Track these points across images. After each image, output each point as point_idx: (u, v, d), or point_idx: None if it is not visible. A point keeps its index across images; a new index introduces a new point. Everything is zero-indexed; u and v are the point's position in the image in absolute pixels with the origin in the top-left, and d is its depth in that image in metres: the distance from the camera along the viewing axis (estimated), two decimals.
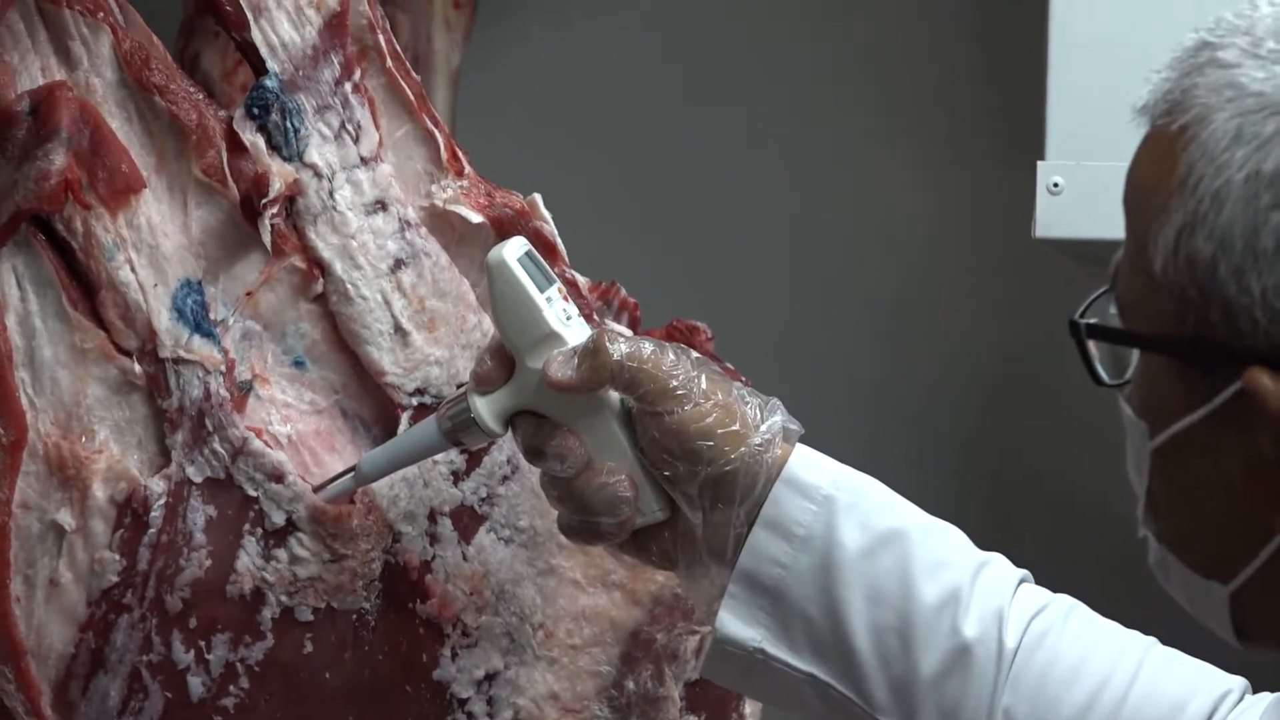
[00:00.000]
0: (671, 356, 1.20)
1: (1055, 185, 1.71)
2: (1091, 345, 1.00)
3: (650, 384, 1.18)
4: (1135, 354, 0.97)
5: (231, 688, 1.29)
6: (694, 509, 1.19)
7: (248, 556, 1.28)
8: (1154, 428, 0.94)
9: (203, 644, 1.29)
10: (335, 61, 1.35)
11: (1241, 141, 0.88)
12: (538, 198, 1.38)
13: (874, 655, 1.18)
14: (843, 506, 1.20)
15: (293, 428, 1.32)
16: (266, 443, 1.29)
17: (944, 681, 1.17)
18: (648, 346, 1.21)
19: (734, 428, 1.19)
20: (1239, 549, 0.92)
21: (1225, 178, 0.89)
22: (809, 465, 1.20)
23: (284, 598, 1.30)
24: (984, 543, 1.26)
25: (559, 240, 1.39)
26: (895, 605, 1.18)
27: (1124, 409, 0.98)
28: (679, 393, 1.18)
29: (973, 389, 2.15)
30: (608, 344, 1.18)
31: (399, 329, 1.34)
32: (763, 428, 1.20)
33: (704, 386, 1.19)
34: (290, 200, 1.31)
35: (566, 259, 1.39)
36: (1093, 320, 1.00)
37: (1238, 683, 1.20)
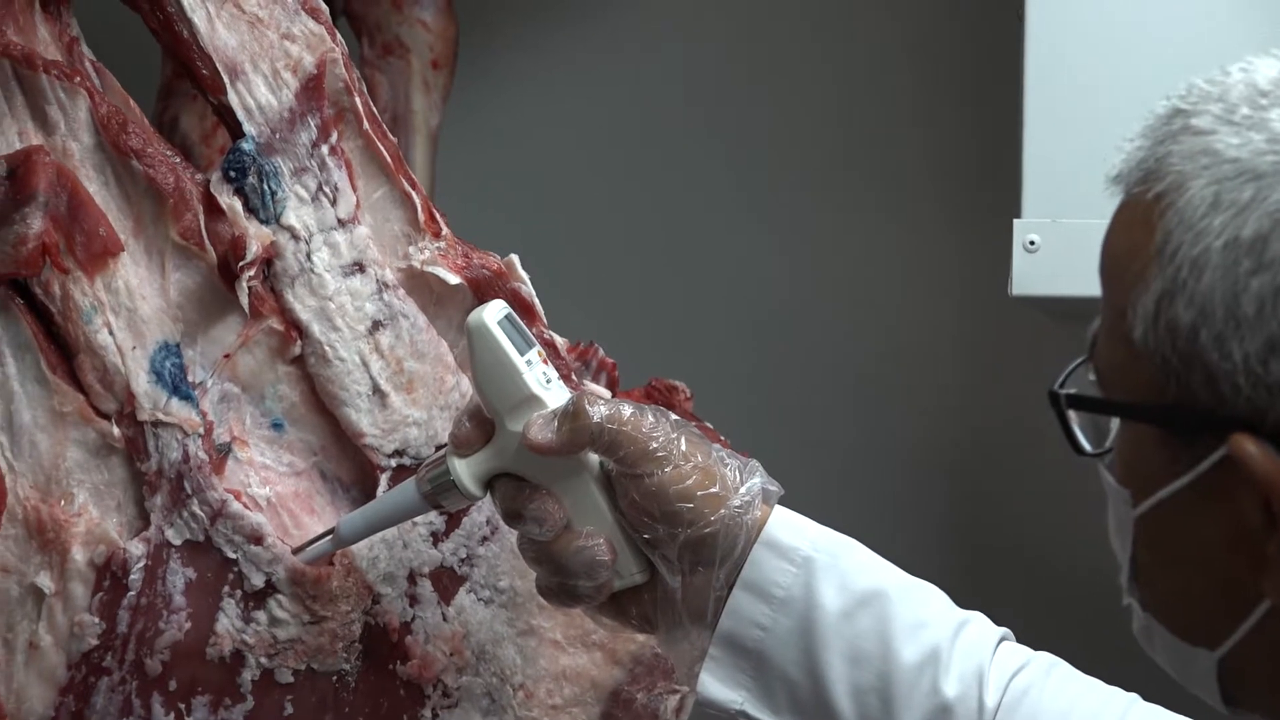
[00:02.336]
0: (651, 419, 1.19)
1: (1031, 243, 1.68)
2: (1072, 414, 1.00)
3: (630, 446, 1.18)
4: (1116, 422, 0.97)
5: None
6: (673, 572, 1.19)
7: (227, 619, 1.27)
8: (1137, 495, 0.94)
9: (183, 706, 1.27)
10: (312, 124, 1.34)
11: (1219, 208, 0.88)
12: (515, 259, 1.38)
13: (855, 717, 1.18)
14: (822, 567, 1.19)
15: (271, 490, 1.31)
16: (245, 505, 1.28)
17: None
18: (627, 409, 1.20)
19: (713, 490, 1.18)
20: (1225, 615, 0.91)
21: (1204, 245, 0.88)
22: (788, 527, 1.20)
23: (264, 659, 1.28)
24: (964, 603, 1.25)
25: (537, 301, 1.38)
26: (876, 666, 1.18)
27: (1106, 477, 0.97)
28: (659, 455, 1.18)
29: (951, 448, 2.13)
30: (588, 407, 1.18)
31: (377, 390, 1.33)
32: (742, 490, 1.19)
33: (683, 449, 1.19)
34: (268, 263, 1.30)
35: (544, 320, 1.38)
36: (1072, 390, 1.00)
37: None
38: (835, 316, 2.18)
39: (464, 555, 1.33)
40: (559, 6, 2.22)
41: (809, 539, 1.18)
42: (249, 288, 1.28)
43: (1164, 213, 0.88)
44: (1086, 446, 0.99)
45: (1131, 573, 0.95)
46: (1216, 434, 0.87)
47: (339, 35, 1.40)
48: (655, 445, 1.17)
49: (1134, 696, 1.18)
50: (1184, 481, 0.89)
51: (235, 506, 1.27)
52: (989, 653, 1.18)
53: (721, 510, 1.17)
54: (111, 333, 1.28)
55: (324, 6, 1.40)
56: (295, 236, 1.31)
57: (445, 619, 1.33)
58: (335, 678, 1.31)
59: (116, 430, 1.28)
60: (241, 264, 1.27)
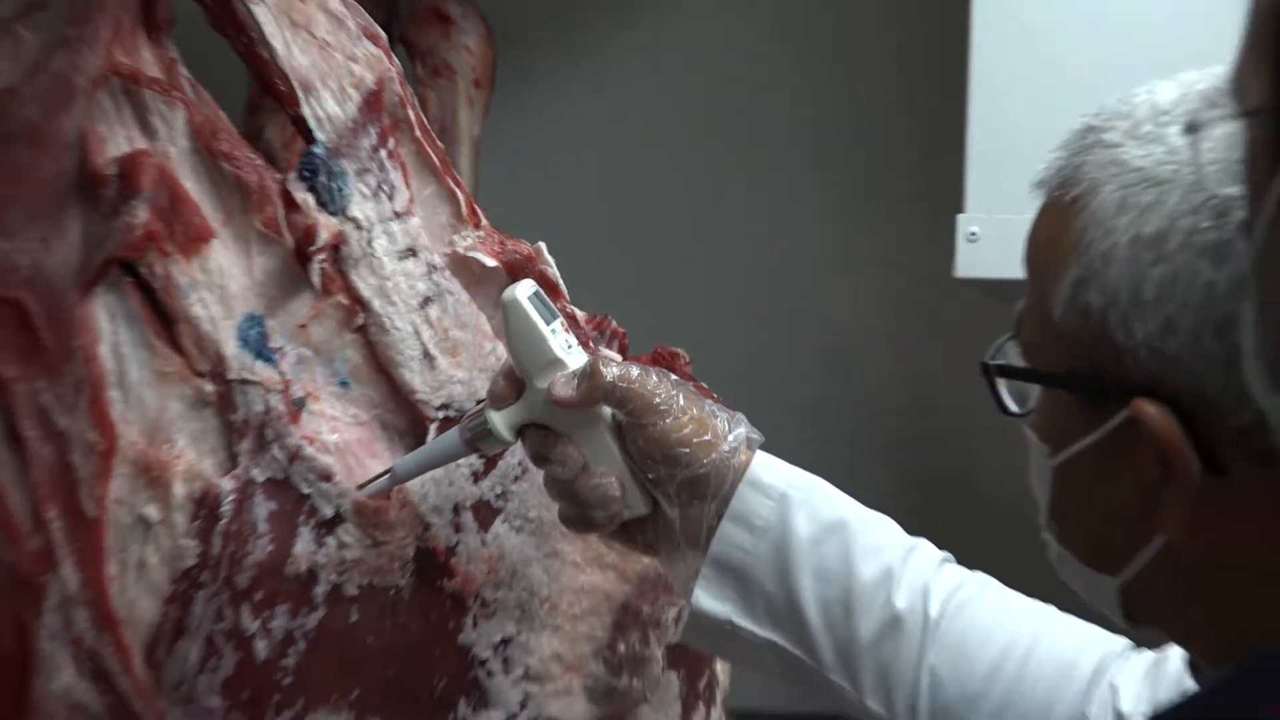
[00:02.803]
0: (654, 379, 1.27)
1: (973, 234, 1.76)
2: (1000, 382, 1.08)
3: (637, 401, 1.26)
4: (1037, 388, 1.05)
5: (290, 650, 1.38)
6: (672, 505, 1.29)
7: (302, 543, 1.38)
8: (1054, 449, 1.02)
9: (266, 615, 1.37)
10: (372, 132, 1.44)
11: (1125, 209, 0.95)
12: (543, 246, 1.49)
13: (822, 624, 1.28)
14: (795, 502, 1.28)
15: (339, 436, 1.41)
16: (317, 449, 1.39)
17: (880, 645, 1.27)
18: (635, 370, 1.28)
19: (706, 438, 1.27)
20: (1126, 549, 0.99)
21: (1113, 240, 0.95)
22: (767, 468, 1.29)
23: (333, 576, 1.38)
24: (912, 532, 1.35)
25: (560, 281, 1.49)
26: (840, 583, 1.28)
27: (1028, 434, 1.05)
28: (661, 408, 1.27)
29: (903, 406, 2.14)
30: (602, 368, 1.26)
31: (427, 355, 1.43)
32: (730, 437, 1.28)
33: (681, 404, 1.28)
34: (335, 248, 1.40)
35: (567, 296, 1.49)
36: (1000, 361, 1.09)
37: (1121, 642, 1.26)
38: (808, 296, 2.23)
39: (499, 491, 1.44)
40: (569, 44, 2.34)
41: (784, 478, 1.28)
42: (320, 269, 1.39)
43: (1079, 213, 0.96)
44: (1013, 408, 1.07)
45: (1049, 513, 1.04)
46: (1121, 399, 0.94)
47: (395, 58, 1.51)
48: (658, 400, 1.26)
49: (1052, 608, 1.27)
50: (1093, 438, 0.98)
51: (309, 450, 1.37)
52: (934, 572, 1.28)
53: (713, 455, 1.26)
54: (205, 306, 1.38)
55: (382, 33, 1.49)
56: (359, 226, 1.41)
57: (484, 544, 1.43)
58: (392, 591, 1.41)
59: (209, 387, 1.37)
60: (313, 249, 1.38)
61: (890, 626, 1.29)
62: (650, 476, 1.29)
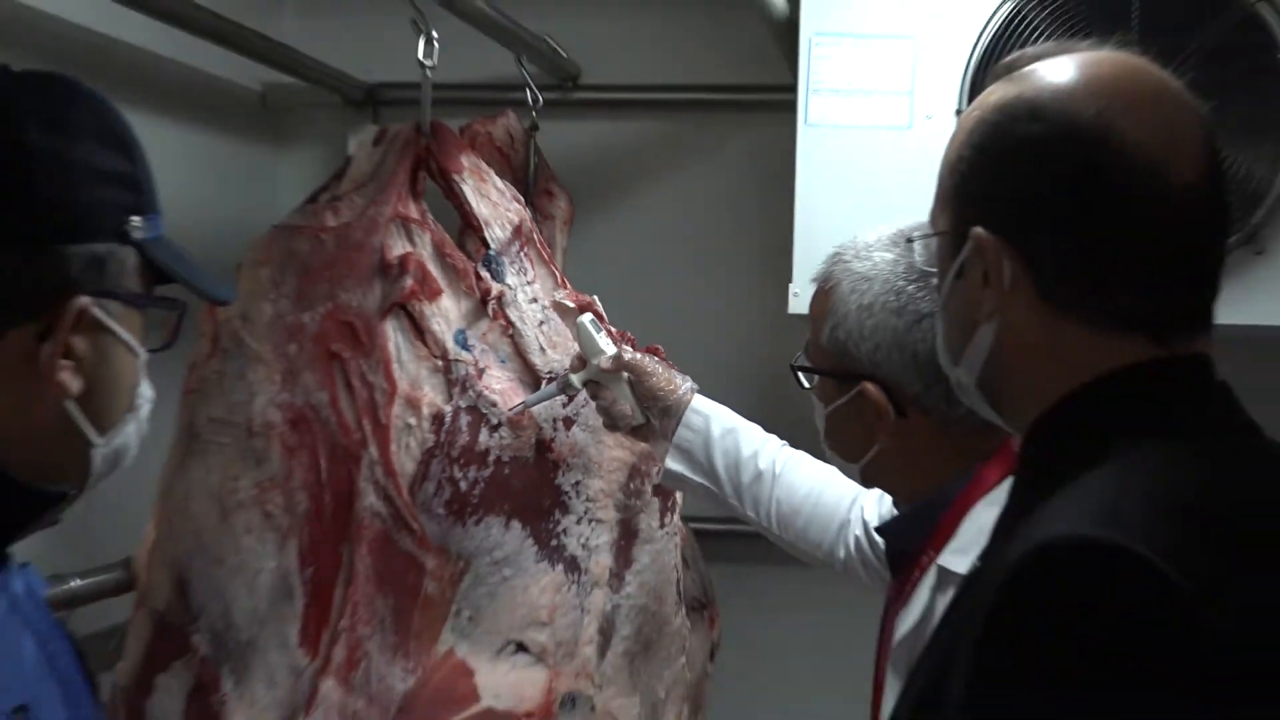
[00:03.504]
0: (648, 359, 1.84)
1: (796, 294, 2.15)
2: (801, 375, 1.58)
3: (639, 370, 1.84)
4: (817, 376, 1.56)
5: (476, 487, 1.94)
6: (655, 420, 1.86)
7: (483, 436, 1.96)
8: (825, 405, 1.53)
9: (465, 469, 1.95)
10: (517, 244, 2.06)
11: (853, 293, 1.49)
12: (595, 298, 2.06)
13: (726, 477, 1.84)
14: (713, 419, 1.84)
15: (500, 386, 1.98)
16: (489, 392, 1.95)
17: (752, 486, 1.82)
18: (638, 355, 1.84)
19: (670, 388, 1.85)
20: (862, 449, 1.53)
21: (847, 308, 1.48)
22: (700, 402, 1.85)
23: (497, 452, 1.95)
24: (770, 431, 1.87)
25: (604, 313, 2.05)
26: (733, 456, 1.83)
27: (813, 398, 1.57)
28: (649, 373, 1.84)
29: (761, 383, 2.46)
30: (624, 354, 1.81)
31: (541, 349, 2.02)
32: (683, 388, 1.85)
33: (661, 371, 1.84)
34: (499, 298, 1.99)
35: (607, 320, 2.03)
36: (799, 363, 1.60)
37: (869, 491, 1.75)
38: (720, 327, 2.67)
39: (574, 412, 2.01)
40: (601, 207, 2.73)
41: (708, 406, 1.85)
42: (492, 308, 1.99)
43: (831, 294, 1.49)
44: (805, 385, 1.59)
45: (824, 435, 1.58)
46: (855, 381, 1.47)
47: (528, 209, 2.11)
48: (648, 369, 1.84)
49: (834, 468, 1.72)
50: (843, 400, 1.52)
51: (486, 393, 1.95)
52: (778, 450, 1.84)
53: (674, 395, 1.84)
54: (438, 324, 1.96)
55: (520, 197, 2.11)
56: (510, 288, 2.01)
57: (567, 436, 2.00)
58: (524, 459, 1.97)
59: (440, 363, 1.96)
60: (489, 299, 1.99)
61: (756, 477, 1.84)
62: (645, 407, 1.86)
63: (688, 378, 1.91)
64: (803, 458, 1.90)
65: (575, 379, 1.91)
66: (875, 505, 1.82)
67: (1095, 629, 0.89)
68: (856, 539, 1.85)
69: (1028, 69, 1.09)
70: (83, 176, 1.20)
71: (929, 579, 1.57)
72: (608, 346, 1.90)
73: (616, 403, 1.91)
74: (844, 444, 1.63)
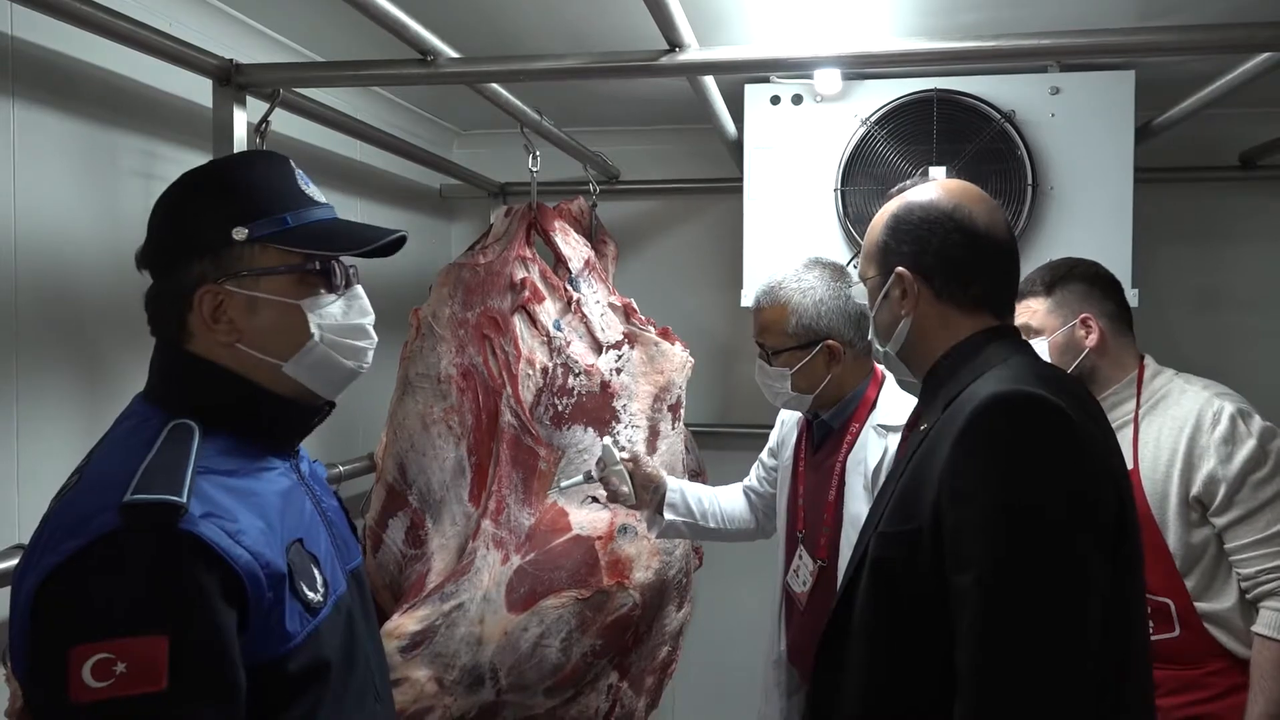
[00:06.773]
0: (645, 461, 2.53)
1: (744, 298, 2.83)
2: (773, 358, 2.32)
3: (636, 468, 2.61)
4: (783, 352, 2.33)
5: (567, 409, 2.92)
6: (647, 496, 2.59)
7: (570, 380, 2.93)
8: (792, 367, 2.29)
9: (560, 399, 2.96)
10: (587, 269, 3.10)
11: (805, 295, 2.35)
12: (632, 300, 3.08)
13: (697, 510, 2.65)
14: (684, 486, 2.63)
15: (577, 350, 2.98)
16: (573, 352, 2.95)
17: (711, 509, 2.66)
18: (639, 456, 2.57)
19: (657, 477, 2.59)
20: (818, 383, 2.35)
21: (804, 304, 2.34)
22: (674, 480, 2.64)
23: (578, 388, 2.92)
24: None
25: (637, 309, 3.05)
26: (698, 499, 2.67)
27: (772, 369, 2.33)
28: (643, 469, 2.60)
29: (726, 369, 3.07)
30: (625, 462, 2.51)
31: (602, 329, 3.02)
32: (663, 476, 2.61)
33: (650, 463, 2.59)
34: (578, 301, 3.02)
35: (641, 316, 3.01)
36: (772, 351, 2.38)
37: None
38: (699, 315, 3.43)
39: (621, 365, 3.01)
40: (635, 251, 3.61)
41: (678, 482, 2.64)
42: (573, 307, 3.04)
43: (785, 304, 2.35)
44: (771, 364, 2.36)
45: (790, 384, 2.34)
46: (818, 343, 2.30)
47: (592, 250, 3.18)
48: (643, 463, 2.59)
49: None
50: (808, 359, 2.34)
51: (571, 354, 2.96)
52: (715, 489, 2.70)
53: (658, 480, 2.60)
54: (543, 317, 2.98)
55: (588, 244, 3.17)
56: (584, 296, 3.06)
57: (618, 380, 2.96)
58: (594, 392, 2.93)
59: (546, 339, 2.96)
60: (572, 302, 3.04)
61: (711, 504, 2.66)
62: (640, 488, 2.54)
63: (664, 473, 2.66)
64: (727, 487, 2.76)
65: (595, 472, 2.64)
66: (754, 477, 2.71)
67: (1035, 428, 1.31)
68: (748, 492, 2.69)
69: (910, 189, 1.56)
70: (183, 219, 1.37)
71: (869, 434, 2.21)
72: (620, 456, 2.63)
73: (620, 488, 2.60)
74: (807, 381, 2.32)
